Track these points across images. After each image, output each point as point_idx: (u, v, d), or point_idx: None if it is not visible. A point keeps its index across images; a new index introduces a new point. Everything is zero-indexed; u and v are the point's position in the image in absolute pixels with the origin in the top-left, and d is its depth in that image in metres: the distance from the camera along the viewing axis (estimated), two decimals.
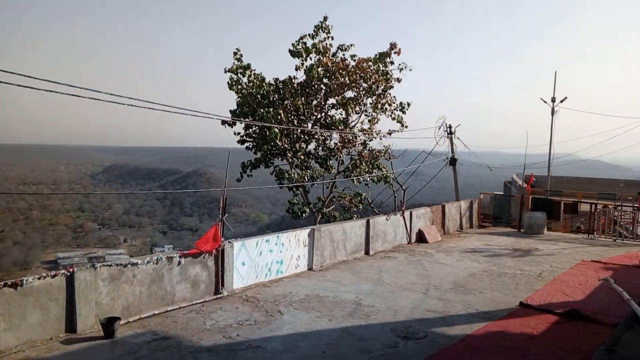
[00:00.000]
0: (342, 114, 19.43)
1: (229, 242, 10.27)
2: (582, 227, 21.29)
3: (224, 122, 18.48)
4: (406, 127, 19.84)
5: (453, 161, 22.85)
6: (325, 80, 18.43)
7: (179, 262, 9.23)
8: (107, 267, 8.18)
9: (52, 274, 7.55)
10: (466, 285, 11.20)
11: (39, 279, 7.33)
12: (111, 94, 8.00)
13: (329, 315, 8.85)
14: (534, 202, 21.54)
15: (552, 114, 30.12)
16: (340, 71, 17.97)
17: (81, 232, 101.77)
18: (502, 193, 31.92)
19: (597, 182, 34.48)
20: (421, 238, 17.35)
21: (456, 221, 20.48)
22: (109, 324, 7.61)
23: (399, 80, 19.07)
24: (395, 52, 18.73)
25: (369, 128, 19.97)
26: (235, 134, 19.49)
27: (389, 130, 19.98)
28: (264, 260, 11.16)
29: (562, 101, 30.10)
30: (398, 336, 7.91)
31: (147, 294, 8.71)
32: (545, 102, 30.31)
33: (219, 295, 9.80)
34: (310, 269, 12.50)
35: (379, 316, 8.89)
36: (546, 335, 7.92)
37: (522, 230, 20.34)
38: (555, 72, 30.09)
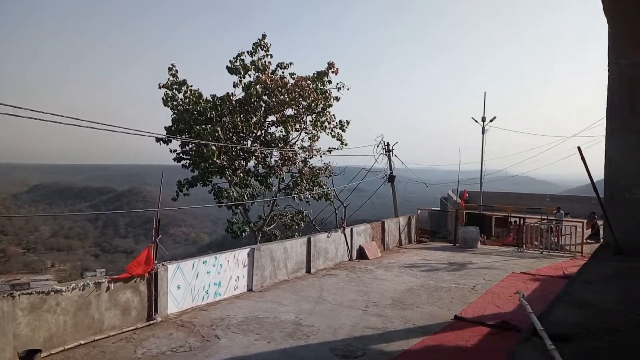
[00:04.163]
0: (282, 132, 19.44)
1: (162, 264, 9.84)
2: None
3: (158, 140, 17.93)
4: (346, 144, 20.18)
5: (391, 178, 23.42)
6: (264, 98, 18.41)
7: (108, 288, 8.70)
8: (26, 295, 7.55)
9: None
10: (404, 301, 11.38)
11: None
12: (31, 110, 7.51)
13: (268, 337, 8.65)
14: (468, 217, 22.46)
15: (483, 132, 31.79)
16: (280, 89, 18.05)
17: (3, 257, 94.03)
18: (438, 208, 33.08)
19: (526, 197, 36.50)
20: (362, 254, 17.52)
21: (395, 237, 20.90)
22: (28, 357, 7.01)
23: (337, 99, 19.43)
24: (332, 72, 19.11)
25: (309, 146, 20.11)
26: (171, 151, 18.95)
27: (329, 148, 20.23)
28: (201, 282, 10.78)
29: (491, 120, 31.85)
30: (337, 355, 7.85)
31: (72, 323, 8.11)
32: (476, 121, 31.95)
33: (152, 322, 9.31)
34: (250, 290, 12.22)
35: (318, 335, 8.80)
36: (479, 347, 8.16)
37: (457, 244, 21.09)
38: (485, 93, 31.87)
